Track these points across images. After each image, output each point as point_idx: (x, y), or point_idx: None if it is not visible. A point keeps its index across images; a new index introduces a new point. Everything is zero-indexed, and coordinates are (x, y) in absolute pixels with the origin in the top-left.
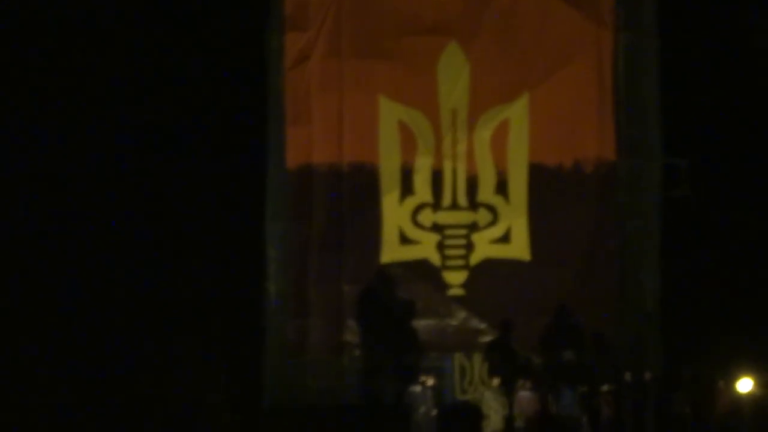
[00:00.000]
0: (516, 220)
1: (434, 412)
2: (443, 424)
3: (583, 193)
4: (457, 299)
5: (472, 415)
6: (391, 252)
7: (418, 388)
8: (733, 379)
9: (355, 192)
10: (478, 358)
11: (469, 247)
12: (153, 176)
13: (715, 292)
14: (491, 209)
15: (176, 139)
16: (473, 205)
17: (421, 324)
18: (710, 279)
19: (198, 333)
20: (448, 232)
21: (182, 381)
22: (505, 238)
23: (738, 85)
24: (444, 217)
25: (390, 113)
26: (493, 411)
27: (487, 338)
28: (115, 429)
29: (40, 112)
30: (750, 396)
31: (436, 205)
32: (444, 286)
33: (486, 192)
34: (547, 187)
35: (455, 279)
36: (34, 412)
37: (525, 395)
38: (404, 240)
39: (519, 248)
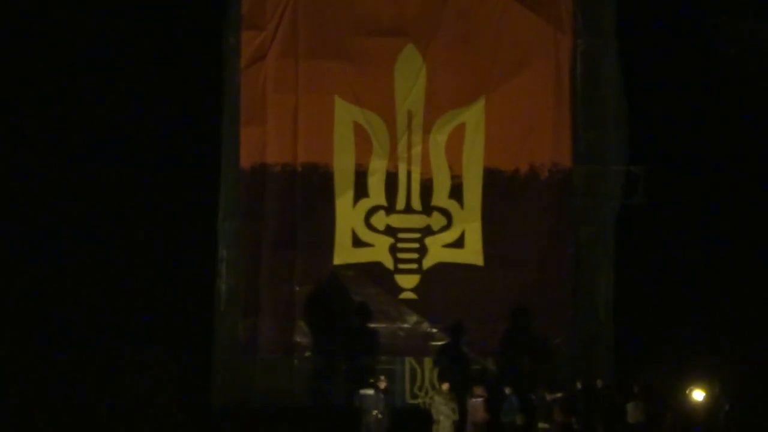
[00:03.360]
0: (470, 224)
1: (385, 415)
2: (393, 428)
3: (537, 199)
4: (409, 303)
5: (422, 419)
6: (343, 254)
7: (370, 391)
8: (685, 389)
9: (309, 193)
10: (428, 363)
11: (422, 250)
12: (107, 175)
13: (668, 302)
14: (445, 213)
15: (130, 137)
16: (427, 208)
17: (372, 327)
18: (664, 288)
19: (148, 333)
20: (402, 235)
21: (132, 382)
22: (458, 243)
23: (699, 92)
24: (397, 221)
25: (345, 114)
26: (443, 416)
27: (438, 343)
28: (65, 430)
29: None
30: (702, 406)
31: (390, 208)
32: (396, 289)
33: (440, 196)
34: (502, 192)
35: (407, 282)
36: None
37: (474, 402)
38: (357, 242)
39: (472, 253)
